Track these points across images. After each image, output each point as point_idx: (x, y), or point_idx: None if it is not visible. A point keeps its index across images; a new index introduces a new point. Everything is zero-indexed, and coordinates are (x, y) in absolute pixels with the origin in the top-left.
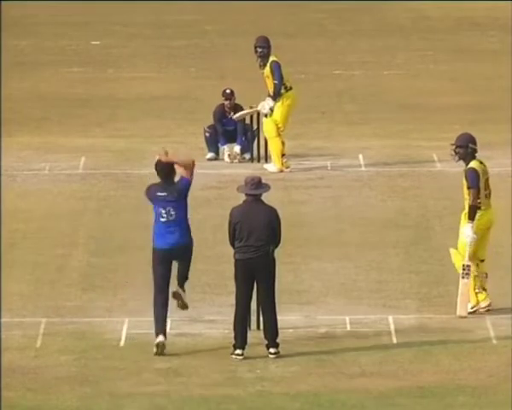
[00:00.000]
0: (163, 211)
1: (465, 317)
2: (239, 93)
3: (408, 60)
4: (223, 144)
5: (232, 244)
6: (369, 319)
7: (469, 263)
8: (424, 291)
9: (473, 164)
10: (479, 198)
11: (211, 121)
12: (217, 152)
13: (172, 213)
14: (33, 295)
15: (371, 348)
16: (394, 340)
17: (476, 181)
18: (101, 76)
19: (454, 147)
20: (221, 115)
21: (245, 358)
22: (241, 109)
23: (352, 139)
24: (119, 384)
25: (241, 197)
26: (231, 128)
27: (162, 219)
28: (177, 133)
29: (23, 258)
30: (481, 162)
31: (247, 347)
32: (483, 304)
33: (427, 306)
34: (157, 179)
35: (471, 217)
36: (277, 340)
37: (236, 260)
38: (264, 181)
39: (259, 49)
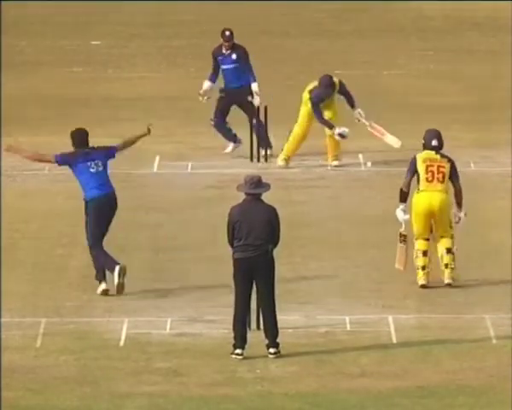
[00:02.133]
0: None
1: (400, 269)
2: None
3: (408, 60)
4: (214, 81)
5: (231, 243)
6: (369, 319)
7: (405, 233)
8: (424, 291)
9: (419, 153)
10: (418, 184)
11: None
12: (235, 140)
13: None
14: (33, 295)
15: (371, 348)
16: (394, 340)
17: (410, 168)
18: (101, 76)
19: None
20: (218, 53)
21: (245, 358)
22: (241, 49)
23: (351, 139)
24: (118, 384)
25: (242, 197)
26: (228, 66)
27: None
28: (177, 133)
29: (23, 258)
30: (437, 153)
31: (246, 346)
32: (420, 282)
33: (427, 306)
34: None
35: (400, 199)
36: (277, 340)
37: (235, 260)
38: (263, 180)
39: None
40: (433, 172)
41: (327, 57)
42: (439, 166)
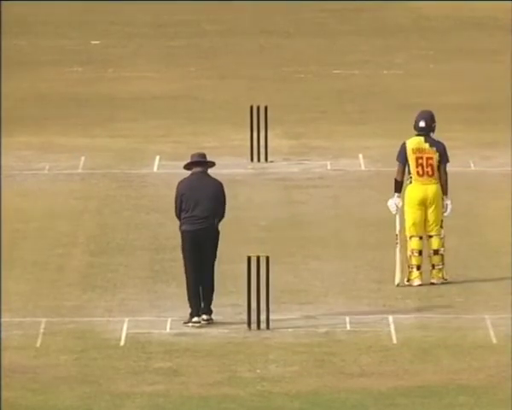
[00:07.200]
0: None
1: (398, 285)
2: (239, 93)
3: (408, 60)
4: None
5: (178, 216)
6: (369, 318)
7: (397, 232)
8: (424, 291)
9: (409, 139)
10: (409, 173)
11: (212, 120)
12: None
13: None
14: (33, 295)
15: (371, 348)
16: (394, 340)
17: (400, 156)
18: (101, 76)
19: None
20: None
21: (245, 358)
22: None
23: (352, 139)
24: (119, 384)
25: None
26: None
27: None
28: (177, 133)
29: (23, 258)
30: (427, 141)
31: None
32: (415, 282)
33: (427, 306)
34: None
35: (395, 189)
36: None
37: (183, 232)
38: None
39: None
40: (422, 166)
41: (327, 57)
42: (427, 159)
